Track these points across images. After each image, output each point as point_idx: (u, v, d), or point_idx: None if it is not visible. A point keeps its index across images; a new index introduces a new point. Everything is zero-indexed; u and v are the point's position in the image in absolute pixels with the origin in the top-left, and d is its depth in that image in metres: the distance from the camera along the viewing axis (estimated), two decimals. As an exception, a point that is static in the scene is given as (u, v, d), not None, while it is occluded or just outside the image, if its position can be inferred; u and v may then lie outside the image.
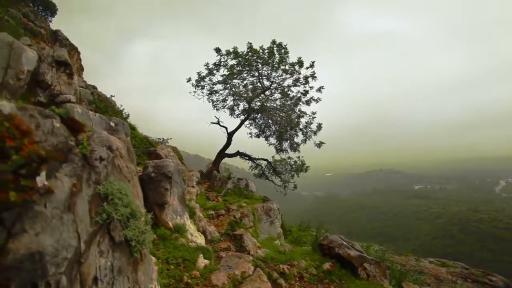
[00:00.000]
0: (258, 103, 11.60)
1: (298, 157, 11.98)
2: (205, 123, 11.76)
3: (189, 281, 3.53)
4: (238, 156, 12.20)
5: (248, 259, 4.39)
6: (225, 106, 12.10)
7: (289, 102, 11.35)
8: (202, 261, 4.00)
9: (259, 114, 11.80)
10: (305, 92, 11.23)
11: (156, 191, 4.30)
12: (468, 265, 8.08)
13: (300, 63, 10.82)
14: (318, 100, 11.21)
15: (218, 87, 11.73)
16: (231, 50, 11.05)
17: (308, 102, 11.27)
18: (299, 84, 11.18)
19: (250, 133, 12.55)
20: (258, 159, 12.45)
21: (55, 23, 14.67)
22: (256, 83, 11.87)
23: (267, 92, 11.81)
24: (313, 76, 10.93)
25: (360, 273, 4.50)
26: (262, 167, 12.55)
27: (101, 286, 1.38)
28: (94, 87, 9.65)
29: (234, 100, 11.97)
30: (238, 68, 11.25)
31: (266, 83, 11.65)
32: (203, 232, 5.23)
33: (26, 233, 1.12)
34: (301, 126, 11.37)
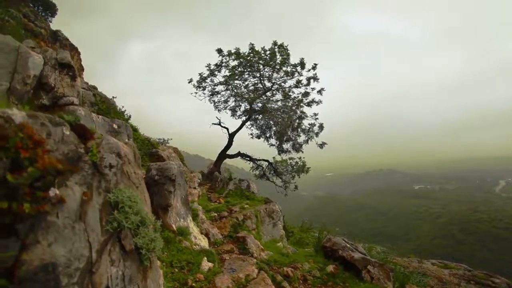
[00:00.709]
0: (260, 104, 11.60)
1: (300, 158, 11.99)
2: (204, 123, 11.79)
3: (193, 284, 3.53)
4: (239, 157, 12.20)
5: (252, 261, 4.38)
6: (227, 107, 12.10)
7: (290, 104, 11.34)
8: (206, 264, 3.99)
9: (261, 115, 11.79)
10: (306, 94, 11.22)
11: (160, 194, 4.29)
12: (468, 265, 8.07)
13: (302, 64, 10.80)
14: (319, 102, 11.20)
15: (220, 88, 11.73)
16: (233, 51, 11.04)
17: (309, 104, 11.26)
18: (300, 85, 11.17)
19: (251, 134, 12.55)
20: (259, 160, 12.45)
21: (54, 23, 14.65)
22: (258, 84, 11.86)
23: (269, 93, 11.80)
24: (315, 78, 10.92)
25: (364, 276, 4.49)
26: (263, 167, 12.54)
27: (112, 295, 1.38)
28: (95, 87, 9.62)
29: (235, 101, 11.96)
30: (239, 69, 11.24)
31: (268, 84, 11.64)
32: (206, 235, 5.22)
33: (39, 244, 1.11)
34: (303, 127, 11.37)
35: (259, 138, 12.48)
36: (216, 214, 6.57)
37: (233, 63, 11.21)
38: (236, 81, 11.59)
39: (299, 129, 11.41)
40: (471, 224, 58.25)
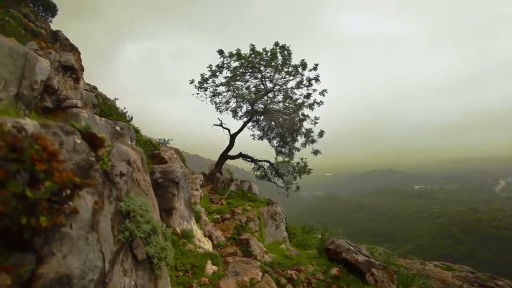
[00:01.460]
0: (261, 105, 11.58)
1: (301, 158, 11.97)
2: (204, 123, 11.75)
3: (198, 288, 3.52)
4: (241, 158, 12.18)
5: (256, 264, 4.37)
6: (228, 108, 12.07)
7: (292, 105, 11.31)
8: (210, 267, 3.98)
9: (262, 116, 11.77)
10: (308, 95, 11.19)
11: (164, 197, 4.28)
12: (468, 265, 8.07)
13: (303, 65, 10.78)
14: (320, 103, 11.17)
15: (221, 89, 11.70)
16: (234, 52, 11.01)
17: (311, 106, 11.23)
18: (302, 86, 11.14)
19: (253, 135, 12.53)
20: (261, 160, 12.43)
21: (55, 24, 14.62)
22: (259, 85, 11.83)
23: (270, 94, 11.77)
24: (316, 78, 10.90)
25: (368, 279, 4.49)
26: (264, 168, 12.52)
27: (124, 305, 1.37)
28: (95, 88, 9.60)
29: (237, 102, 11.94)
30: (241, 70, 11.21)
31: (269, 85, 11.61)
32: (210, 237, 5.21)
33: (54, 256, 1.11)
34: (303, 130, 11.34)
35: (262, 139, 12.46)
36: (218, 216, 6.56)
37: (235, 64, 11.19)
38: (237, 82, 11.56)
39: (299, 132, 11.38)
40: (471, 224, 58.29)
